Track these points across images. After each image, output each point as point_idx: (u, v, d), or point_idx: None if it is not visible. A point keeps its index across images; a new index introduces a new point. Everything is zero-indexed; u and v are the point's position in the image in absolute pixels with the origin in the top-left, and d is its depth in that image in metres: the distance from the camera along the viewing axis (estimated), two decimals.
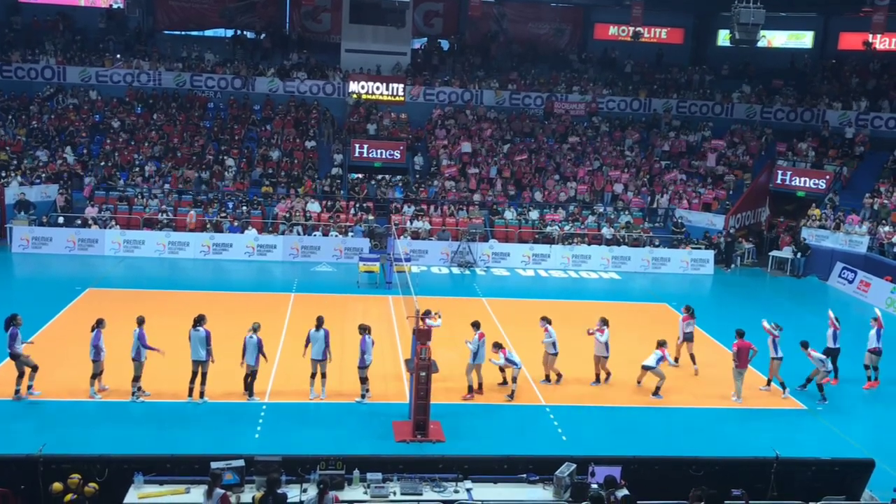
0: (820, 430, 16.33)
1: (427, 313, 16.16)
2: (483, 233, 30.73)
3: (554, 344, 17.66)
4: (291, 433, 14.89)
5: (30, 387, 15.80)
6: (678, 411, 17.05)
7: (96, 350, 15.85)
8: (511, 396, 16.98)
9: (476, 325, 17.09)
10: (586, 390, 17.88)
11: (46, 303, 21.79)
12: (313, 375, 16.48)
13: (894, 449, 15.29)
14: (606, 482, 10.69)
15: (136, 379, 16.00)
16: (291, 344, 19.60)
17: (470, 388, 17.06)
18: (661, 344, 17.57)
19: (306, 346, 16.36)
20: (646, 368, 17.54)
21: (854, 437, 15.97)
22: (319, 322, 16.37)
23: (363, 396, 16.56)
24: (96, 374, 16.06)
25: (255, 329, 16.14)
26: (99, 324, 16.03)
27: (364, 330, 16.41)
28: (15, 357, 15.66)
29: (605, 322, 17.99)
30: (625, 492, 10.47)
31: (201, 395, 16.08)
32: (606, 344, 17.78)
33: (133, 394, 15.97)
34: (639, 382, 17.99)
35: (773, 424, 16.55)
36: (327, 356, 16.35)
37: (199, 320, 15.92)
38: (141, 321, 16.08)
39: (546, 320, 17.79)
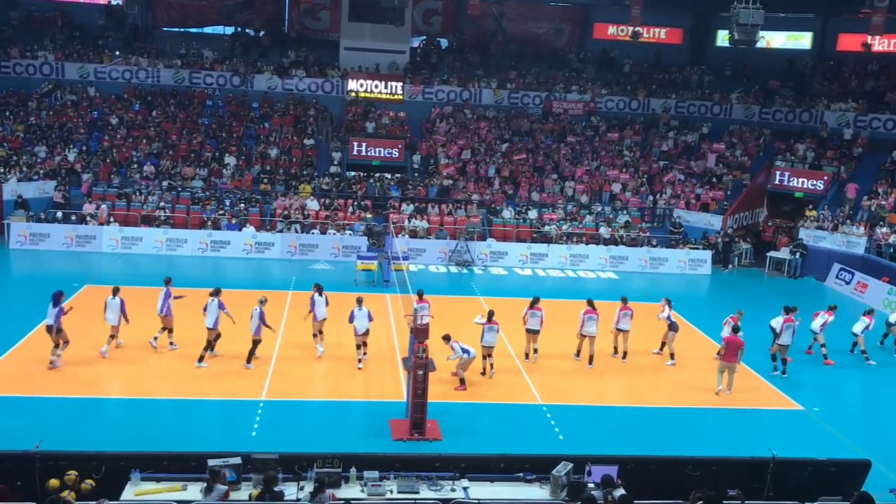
0: (816, 431, 16.37)
1: (420, 295, 18.02)
2: (481, 232, 30.73)
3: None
4: (288, 431, 14.90)
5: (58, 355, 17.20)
6: (675, 411, 17.09)
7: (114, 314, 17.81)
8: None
9: (447, 339, 17.28)
10: (583, 389, 17.98)
11: (44, 299, 21.67)
12: (315, 335, 18.79)
13: (890, 449, 15.33)
14: (603, 481, 10.70)
15: (170, 332, 18.49)
16: (289, 341, 19.63)
17: (462, 381, 17.36)
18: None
19: (311, 310, 18.65)
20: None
21: (850, 437, 16.00)
22: (319, 289, 18.90)
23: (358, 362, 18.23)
24: (114, 336, 17.99)
25: (262, 302, 17.85)
26: (115, 291, 18.11)
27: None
28: (58, 330, 17.01)
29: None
30: (621, 491, 10.48)
31: (200, 358, 17.72)
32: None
33: (171, 343, 18.52)
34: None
35: (770, 424, 16.61)
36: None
37: (216, 292, 17.93)
38: (168, 281, 18.83)
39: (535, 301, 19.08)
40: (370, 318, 18.18)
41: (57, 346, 17.04)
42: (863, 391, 19.47)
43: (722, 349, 17.68)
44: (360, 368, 18.03)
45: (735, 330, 17.98)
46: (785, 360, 19.11)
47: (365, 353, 18.24)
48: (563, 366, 19.41)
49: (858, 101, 36.58)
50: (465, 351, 17.06)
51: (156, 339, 18.47)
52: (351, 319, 18.11)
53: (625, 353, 19.65)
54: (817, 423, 16.74)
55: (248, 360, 17.66)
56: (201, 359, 17.66)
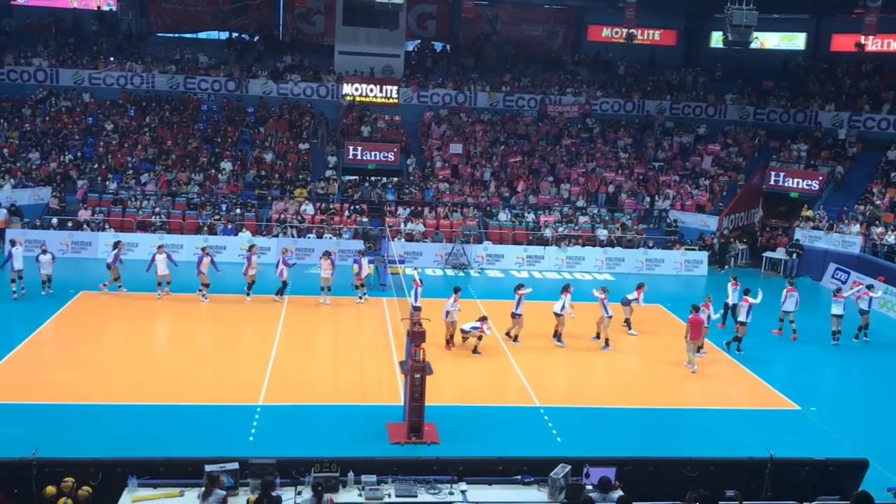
0: (813, 430, 16.38)
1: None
2: (477, 234, 30.73)
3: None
4: (286, 435, 14.87)
5: (105, 284, 23.19)
6: (672, 412, 17.09)
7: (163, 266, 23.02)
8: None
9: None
10: (581, 391, 18.00)
11: (39, 306, 21.73)
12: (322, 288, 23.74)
13: (888, 448, 15.34)
14: (601, 483, 10.70)
15: (206, 286, 23.24)
16: (286, 346, 19.61)
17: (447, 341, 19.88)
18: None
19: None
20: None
21: (848, 436, 16.02)
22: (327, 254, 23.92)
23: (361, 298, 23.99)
24: (169, 282, 23.22)
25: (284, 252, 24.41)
26: (162, 248, 23.68)
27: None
28: (111, 267, 23.01)
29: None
30: (620, 493, 10.48)
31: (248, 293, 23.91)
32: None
33: (204, 296, 23.27)
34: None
35: (767, 424, 16.61)
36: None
37: (251, 248, 24.06)
38: (204, 249, 24.23)
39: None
40: (371, 264, 24.45)
41: (114, 279, 23.13)
42: (860, 390, 19.48)
43: (687, 330, 18.95)
44: (358, 304, 23.66)
45: (696, 310, 19.21)
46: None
47: (365, 292, 24.05)
48: (559, 368, 19.43)
49: (853, 101, 36.59)
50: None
51: (199, 290, 23.41)
52: (356, 263, 23.96)
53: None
54: (814, 423, 16.76)
55: (277, 294, 23.42)
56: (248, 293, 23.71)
